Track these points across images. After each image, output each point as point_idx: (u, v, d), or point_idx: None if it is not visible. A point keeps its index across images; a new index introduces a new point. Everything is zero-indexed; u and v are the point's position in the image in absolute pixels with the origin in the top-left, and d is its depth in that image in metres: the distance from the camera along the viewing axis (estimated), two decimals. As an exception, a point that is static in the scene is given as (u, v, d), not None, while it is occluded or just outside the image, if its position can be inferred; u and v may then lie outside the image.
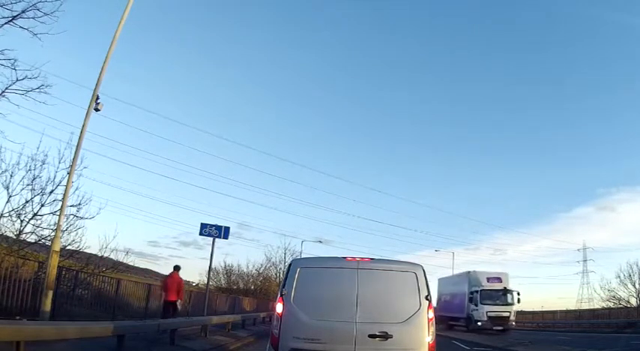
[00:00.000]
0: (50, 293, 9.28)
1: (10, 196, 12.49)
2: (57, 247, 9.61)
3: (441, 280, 36.12)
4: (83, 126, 10.27)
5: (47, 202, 12.80)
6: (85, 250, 15.38)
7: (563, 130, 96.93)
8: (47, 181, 12.89)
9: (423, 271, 5.23)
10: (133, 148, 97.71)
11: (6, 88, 10.90)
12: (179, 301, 13.37)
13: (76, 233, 13.83)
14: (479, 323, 25.99)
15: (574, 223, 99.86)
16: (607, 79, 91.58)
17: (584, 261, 59.71)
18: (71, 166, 10.37)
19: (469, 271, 29.92)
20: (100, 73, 10.56)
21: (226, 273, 43.68)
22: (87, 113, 10.34)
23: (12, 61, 10.59)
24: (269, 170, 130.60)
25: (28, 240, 12.91)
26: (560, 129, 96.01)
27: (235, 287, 42.40)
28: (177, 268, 14.09)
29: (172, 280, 13.50)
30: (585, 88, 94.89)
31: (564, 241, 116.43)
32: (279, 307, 5.05)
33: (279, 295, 5.15)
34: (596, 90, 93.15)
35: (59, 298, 11.34)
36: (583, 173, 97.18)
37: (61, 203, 10.27)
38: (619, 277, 36.12)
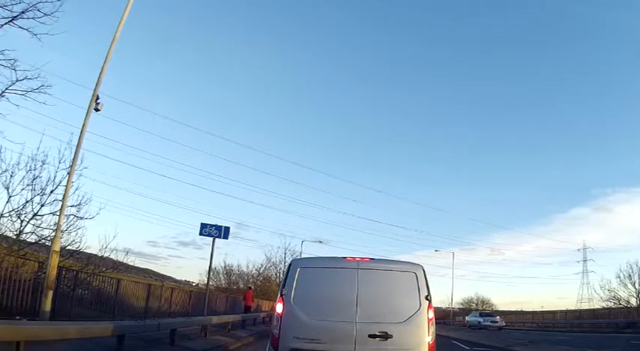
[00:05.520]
0: (50, 293, 9.27)
1: (10, 196, 12.48)
2: (57, 247, 9.60)
3: None
4: (83, 126, 10.26)
5: (47, 202, 12.81)
6: (85, 250, 15.37)
7: (560, 131, 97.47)
8: (47, 181, 12.89)
9: (423, 271, 5.22)
10: (133, 148, 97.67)
11: (6, 89, 10.91)
12: (252, 305, 25.82)
13: (76, 233, 13.84)
14: None
15: (572, 223, 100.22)
16: (604, 80, 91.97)
17: (584, 261, 59.85)
18: (71, 166, 10.36)
19: None
20: (100, 73, 10.55)
21: (226, 273, 43.77)
22: (87, 113, 10.34)
23: (12, 61, 10.61)
24: (269, 170, 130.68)
25: (28, 240, 12.90)
26: (557, 130, 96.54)
27: (235, 287, 42.44)
28: (250, 287, 29.95)
29: (249, 294, 25.98)
30: (582, 89, 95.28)
31: (563, 242, 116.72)
32: (279, 307, 5.04)
33: (279, 295, 5.14)
34: (593, 91, 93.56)
35: (59, 298, 11.33)
36: (579, 174, 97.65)
37: (61, 203, 10.26)
38: (619, 277, 36.15)
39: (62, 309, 11.62)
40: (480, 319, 36.09)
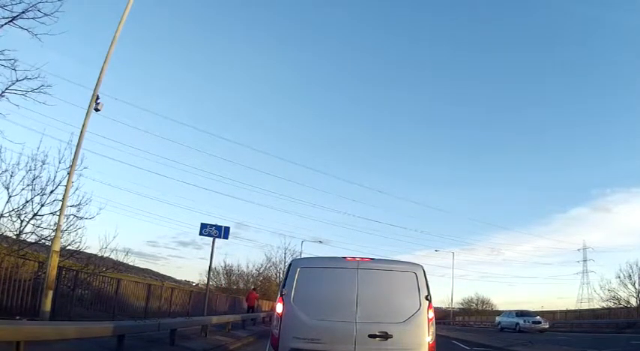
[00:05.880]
0: (50, 293, 9.28)
1: (10, 196, 12.50)
2: (57, 247, 9.60)
3: None
4: (83, 126, 10.27)
5: (47, 202, 12.83)
6: (85, 250, 15.40)
7: (560, 131, 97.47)
8: (47, 181, 12.91)
9: (423, 271, 5.22)
10: (133, 148, 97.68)
11: (6, 89, 10.92)
12: (255, 305, 26.92)
13: (76, 233, 13.86)
14: None
15: (571, 223, 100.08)
16: (604, 80, 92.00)
17: (584, 261, 59.80)
18: (71, 166, 10.37)
19: None
20: (100, 73, 10.56)
21: (226, 273, 43.79)
22: (87, 113, 10.34)
23: (12, 61, 10.62)
24: (268, 170, 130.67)
25: (28, 240, 12.91)
26: (557, 130, 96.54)
27: (235, 287, 42.48)
28: (254, 288, 30.99)
29: (251, 295, 27.06)
30: (582, 89, 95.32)
31: (563, 241, 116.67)
32: (279, 307, 5.04)
33: (279, 295, 5.14)
34: (593, 91, 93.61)
35: (59, 298, 11.34)
36: (578, 174, 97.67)
37: (61, 203, 10.27)
38: (619, 277, 36.10)
39: (62, 309, 11.63)
40: (519, 321, 29.01)
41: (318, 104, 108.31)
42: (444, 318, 53.59)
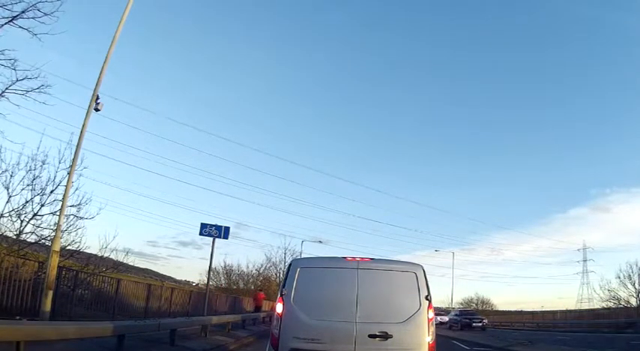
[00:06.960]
0: (50, 293, 9.27)
1: (10, 196, 12.51)
2: (57, 247, 9.60)
3: None
4: (83, 126, 10.26)
5: (47, 202, 12.83)
6: (85, 250, 15.40)
7: (560, 131, 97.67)
8: (47, 181, 12.92)
9: (423, 271, 5.21)
10: (133, 148, 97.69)
11: (6, 89, 10.93)
12: (262, 305, 28.02)
13: (76, 233, 13.87)
14: None
15: (571, 223, 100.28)
16: (604, 80, 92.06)
17: (584, 261, 59.79)
18: (71, 166, 10.36)
19: None
20: (100, 73, 10.55)
21: (226, 273, 43.83)
22: (87, 113, 10.34)
23: (12, 61, 10.63)
24: (268, 170, 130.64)
25: (28, 240, 12.91)
26: (557, 130, 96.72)
27: (235, 287, 42.52)
28: (260, 289, 33.92)
29: (258, 295, 28.57)
30: (582, 89, 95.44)
31: (563, 241, 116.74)
32: (279, 307, 5.04)
33: (279, 295, 5.14)
34: (593, 91, 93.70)
35: (59, 298, 11.33)
36: (578, 174, 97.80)
37: (61, 203, 10.27)
38: (619, 277, 36.04)
39: (62, 309, 11.63)
40: None
41: (318, 104, 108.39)
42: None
